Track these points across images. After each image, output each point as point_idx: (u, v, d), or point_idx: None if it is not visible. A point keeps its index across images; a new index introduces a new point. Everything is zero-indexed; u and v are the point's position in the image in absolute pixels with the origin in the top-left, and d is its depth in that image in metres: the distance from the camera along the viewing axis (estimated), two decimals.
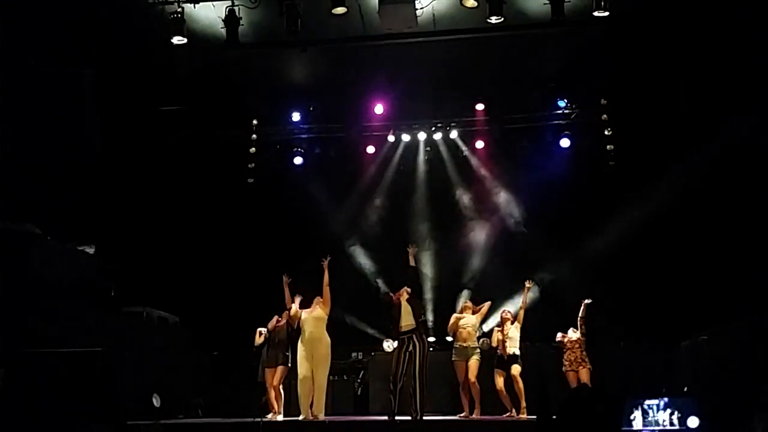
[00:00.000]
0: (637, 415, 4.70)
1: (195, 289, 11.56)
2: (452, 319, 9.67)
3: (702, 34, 10.39)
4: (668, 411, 4.69)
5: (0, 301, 8.30)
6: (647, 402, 4.61)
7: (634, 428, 4.70)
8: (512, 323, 9.66)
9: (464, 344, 9.45)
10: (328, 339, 8.98)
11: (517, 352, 9.51)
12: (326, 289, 9.03)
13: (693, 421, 4.61)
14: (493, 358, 9.66)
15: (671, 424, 4.59)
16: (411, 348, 8.63)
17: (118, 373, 8.42)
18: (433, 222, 12.88)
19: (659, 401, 4.60)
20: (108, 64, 10.80)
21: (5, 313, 8.27)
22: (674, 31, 10.83)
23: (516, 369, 9.41)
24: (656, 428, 4.75)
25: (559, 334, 9.72)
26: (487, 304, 9.73)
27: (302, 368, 8.86)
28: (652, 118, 11.78)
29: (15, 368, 7.86)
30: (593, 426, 3.15)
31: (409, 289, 8.86)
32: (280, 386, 9.38)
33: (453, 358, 9.53)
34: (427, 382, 8.61)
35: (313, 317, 8.96)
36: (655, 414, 4.72)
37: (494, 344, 9.69)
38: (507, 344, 9.54)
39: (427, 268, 12.34)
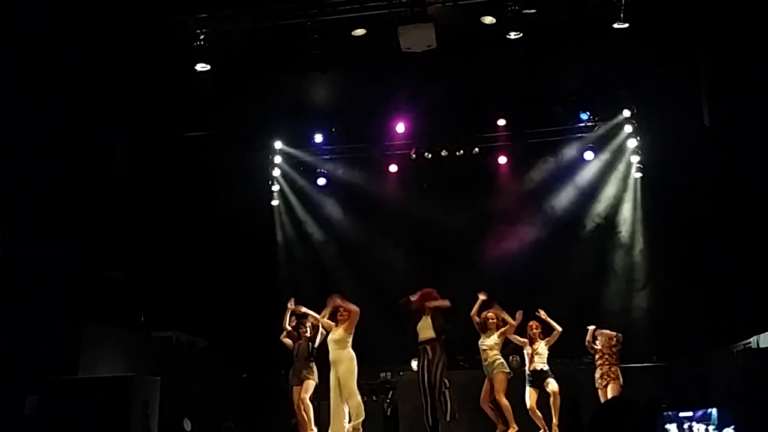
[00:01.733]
0: (672, 428, 4.61)
1: (223, 312, 11.61)
2: (477, 324, 9.53)
3: (724, 41, 10.29)
4: (703, 423, 4.59)
5: (31, 329, 8.44)
6: (682, 414, 4.52)
7: None
8: (542, 339, 9.52)
9: (484, 363, 9.35)
10: (351, 354, 8.91)
11: (546, 368, 9.37)
12: (354, 314, 8.92)
13: None
14: (522, 375, 9.50)
15: None
16: (426, 359, 8.57)
17: (148, 398, 8.48)
18: (458, 239, 12.82)
19: (694, 413, 4.50)
20: (132, 91, 10.96)
21: (36, 340, 8.39)
22: (695, 40, 10.76)
23: (553, 385, 9.24)
24: None
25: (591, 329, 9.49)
26: (509, 327, 9.46)
27: (333, 391, 8.83)
28: (676, 127, 11.67)
29: (47, 395, 7.96)
30: None
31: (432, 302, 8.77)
32: (308, 402, 9.26)
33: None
34: (439, 394, 8.46)
35: (334, 340, 8.92)
36: (691, 426, 4.62)
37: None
38: (535, 359, 9.40)
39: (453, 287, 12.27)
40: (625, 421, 3.05)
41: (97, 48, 9.96)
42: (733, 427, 4.43)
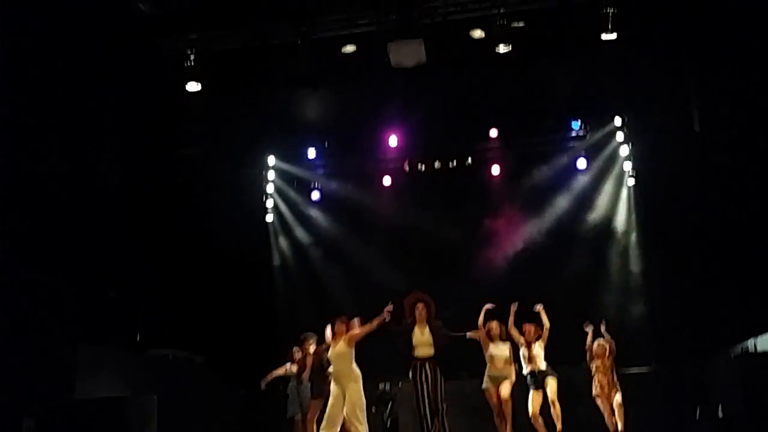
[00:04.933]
0: None
1: (219, 328, 11.57)
2: (481, 336, 9.41)
3: (712, 47, 10.38)
4: None
5: (27, 351, 8.41)
6: None
7: None
8: (536, 340, 9.49)
9: (497, 374, 9.29)
10: (358, 372, 8.52)
11: (547, 367, 9.32)
12: (362, 332, 8.50)
13: None
14: (521, 379, 9.44)
15: None
16: (424, 377, 8.29)
17: (146, 418, 8.45)
18: (452, 249, 12.84)
19: None
20: (125, 111, 11.00)
21: (32, 362, 8.36)
22: (683, 47, 10.86)
23: (552, 390, 9.20)
24: None
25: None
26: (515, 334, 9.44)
27: (336, 402, 8.64)
28: (668, 133, 11.73)
29: (43, 417, 7.93)
30: None
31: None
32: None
33: (484, 386, 9.30)
34: (444, 414, 8.30)
35: (336, 354, 8.52)
36: None
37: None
38: (536, 361, 9.36)
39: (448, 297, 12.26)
40: None
41: (88, 70, 10.01)
42: None
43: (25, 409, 8.07)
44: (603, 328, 9.36)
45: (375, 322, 8.32)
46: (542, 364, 9.31)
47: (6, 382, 8.05)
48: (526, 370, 9.38)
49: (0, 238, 8.62)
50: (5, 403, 7.97)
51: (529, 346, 9.42)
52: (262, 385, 9.49)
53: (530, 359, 9.35)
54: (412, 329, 8.48)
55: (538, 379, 9.27)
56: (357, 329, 8.54)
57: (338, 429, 8.37)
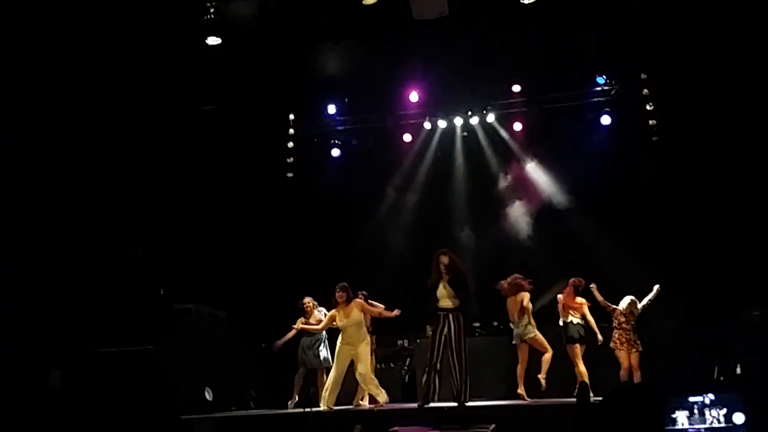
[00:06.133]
0: (681, 415, 4.52)
1: (241, 284, 11.73)
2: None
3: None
4: (714, 408, 4.51)
5: (54, 305, 8.61)
6: (692, 399, 4.43)
7: (679, 427, 4.52)
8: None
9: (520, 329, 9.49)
10: (368, 337, 9.12)
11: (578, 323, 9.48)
12: (375, 312, 9.15)
13: (739, 418, 4.43)
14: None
15: (718, 421, 4.41)
16: (446, 330, 8.50)
17: (170, 370, 8.67)
18: (474, 206, 12.80)
19: (704, 398, 4.42)
20: (146, 67, 10.96)
21: (59, 315, 8.57)
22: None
23: (577, 349, 9.34)
24: (702, 426, 4.54)
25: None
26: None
27: (344, 363, 8.97)
28: (694, 90, 11.47)
29: (70, 368, 8.17)
30: (636, 425, 3.11)
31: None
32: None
33: (514, 342, 9.56)
34: (468, 366, 8.50)
35: (352, 318, 8.98)
36: (701, 411, 4.53)
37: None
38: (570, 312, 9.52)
39: (470, 255, 12.29)
40: (634, 407, 3.07)
41: (105, 26, 9.95)
42: (742, 411, 4.36)
43: (53, 360, 8.33)
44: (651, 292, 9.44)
45: (384, 314, 9.18)
46: (577, 319, 9.52)
47: (34, 334, 8.28)
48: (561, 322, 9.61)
49: (28, 196, 8.74)
50: (34, 355, 8.21)
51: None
52: (275, 348, 9.69)
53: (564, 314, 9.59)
54: (438, 283, 8.64)
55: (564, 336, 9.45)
56: (374, 308, 9.18)
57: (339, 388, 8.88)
